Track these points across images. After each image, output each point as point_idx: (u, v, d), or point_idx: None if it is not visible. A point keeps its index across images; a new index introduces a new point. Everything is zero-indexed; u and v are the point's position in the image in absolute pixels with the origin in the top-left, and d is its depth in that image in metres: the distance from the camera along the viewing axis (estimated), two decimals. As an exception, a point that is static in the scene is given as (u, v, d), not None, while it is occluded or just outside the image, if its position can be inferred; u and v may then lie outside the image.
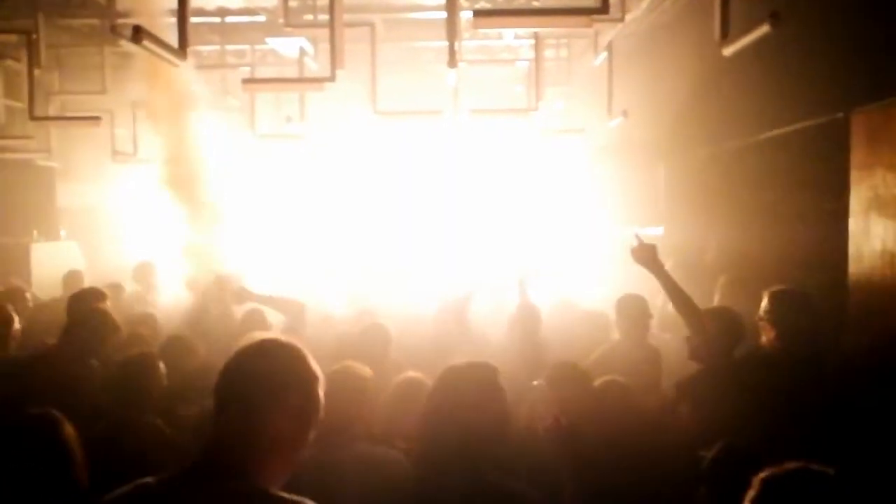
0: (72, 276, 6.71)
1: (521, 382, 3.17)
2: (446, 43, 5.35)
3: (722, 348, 3.29)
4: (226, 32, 8.13)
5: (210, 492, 1.48)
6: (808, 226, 4.71)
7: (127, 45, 5.66)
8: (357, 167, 11.00)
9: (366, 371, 2.76)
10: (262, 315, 4.71)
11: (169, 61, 4.39)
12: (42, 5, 6.96)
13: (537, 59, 7.07)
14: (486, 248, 8.55)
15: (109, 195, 10.08)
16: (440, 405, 2.09)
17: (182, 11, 4.36)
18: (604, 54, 6.95)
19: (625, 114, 6.64)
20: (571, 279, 6.58)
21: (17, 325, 4.08)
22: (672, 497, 2.35)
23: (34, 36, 6.66)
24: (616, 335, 4.42)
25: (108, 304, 4.52)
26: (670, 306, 4.15)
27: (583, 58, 8.62)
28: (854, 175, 3.99)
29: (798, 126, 4.68)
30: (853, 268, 3.99)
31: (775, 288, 3.34)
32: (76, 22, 7.83)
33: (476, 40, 8.62)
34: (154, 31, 4.12)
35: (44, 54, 6.86)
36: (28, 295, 6.16)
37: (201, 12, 7.35)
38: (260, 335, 1.70)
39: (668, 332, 4.53)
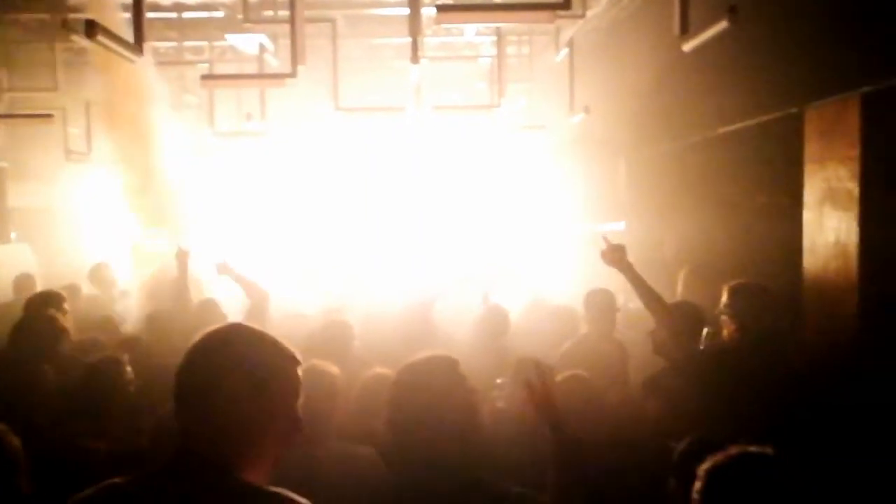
0: (23, 280, 6.49)
1: (484, 381, 3.17)
2: (408, 40, 5.33)
3: (686, 342, 3.35)
4: (183, 28, 7.97)
5: (195, 488, 1.40)
6: (765, 219, 4.82)
7: (80, 41, 5.51)
8: (319, 165, 10.90)
9: (333, 368, 2.75)
10: (216, 306, 4.65)
11: (125, 57, 4.29)
12: (-11, -1, 6.77)
13: (499, 56, 7.09)
14: (451, 245, 8.55)
15: (63, 195, 9.84)
16: (403, 399, 2.06)
17: (137, 6, 4.26)
18: (565, 51, 7.00)
19: (586, 110, 6.70)
20: (536, 275, 6.61)
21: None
22: (643, 488, 2.38)
23: (-20, 31, 6.47)
24: (584, 329, 4.46)
25: (66, 307, 4.43)
26: (632, 304, 4.23)
27: (544, 54, 8.67)
28: (808, 169, 4.08)
29: (754, 121, 4.78)
30: (807, 260, 4.09)
31: (734, 282, 3.40)
32: (25, 17, 7.58)
33: (438, 37, 8.60)
34: (108, 26, 4.01)
35: (-8, 50, 6.67)
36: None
37: (157, 7, 7.18)
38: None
39: (631, 329, 4.59)
